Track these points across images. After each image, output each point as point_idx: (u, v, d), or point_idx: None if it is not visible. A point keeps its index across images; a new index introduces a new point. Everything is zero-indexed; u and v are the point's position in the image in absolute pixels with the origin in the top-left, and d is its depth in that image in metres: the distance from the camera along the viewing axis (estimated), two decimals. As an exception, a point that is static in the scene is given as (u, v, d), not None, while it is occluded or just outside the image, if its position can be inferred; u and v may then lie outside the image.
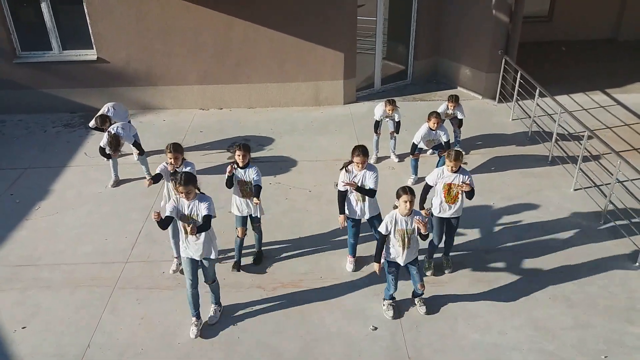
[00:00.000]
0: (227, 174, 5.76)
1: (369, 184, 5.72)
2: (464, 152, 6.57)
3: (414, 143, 7.54)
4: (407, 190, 5.06)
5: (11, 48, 9.88)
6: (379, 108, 8.10)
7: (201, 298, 5.42)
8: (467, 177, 5.73)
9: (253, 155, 8.61)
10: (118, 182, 8.00)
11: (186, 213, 5.02)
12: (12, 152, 8.95)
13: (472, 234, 6.84)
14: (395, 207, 5.17)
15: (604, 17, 14.33)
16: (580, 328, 5.45)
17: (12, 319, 5.65)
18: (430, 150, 8.00)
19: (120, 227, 7.05)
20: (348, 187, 5.73)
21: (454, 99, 8.19)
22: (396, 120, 8.10)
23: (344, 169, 5.80)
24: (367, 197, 5.79)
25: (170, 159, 5.80)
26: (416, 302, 5.71)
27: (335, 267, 6.30)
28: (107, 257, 6.52)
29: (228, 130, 9.65)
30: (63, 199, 7.66)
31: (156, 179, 5.90)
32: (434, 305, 5.74)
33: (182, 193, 4.90)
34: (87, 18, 9.64)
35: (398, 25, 11.34)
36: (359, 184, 5.70)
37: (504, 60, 10.18)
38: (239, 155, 5.73)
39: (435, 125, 7.35)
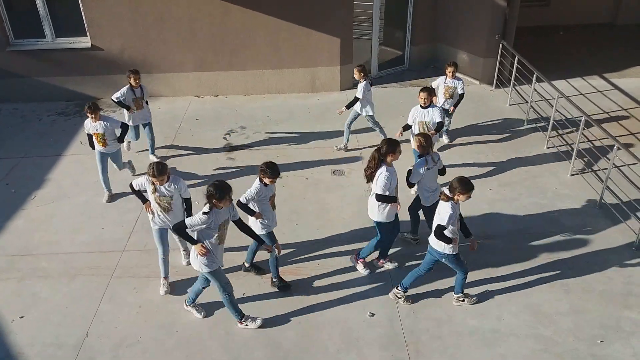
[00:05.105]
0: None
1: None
2: (431, 135, 6.26)
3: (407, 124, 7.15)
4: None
5: (4, 36, 9.76)
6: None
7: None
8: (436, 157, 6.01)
9: (250, 142, 8.62)
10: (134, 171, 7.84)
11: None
12: (7, 141, 8.89)
13: (469, 220, 6.77)
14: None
15: (603, 1, 14.22)
16: (576, 313, 5.48)
17: (10, 308, 5.65)
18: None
19: (117, 216, 7.02)
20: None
21: (454, 64, 7.74)
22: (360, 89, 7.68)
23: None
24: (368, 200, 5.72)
25: (155, 182, 5.37)
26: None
27: (333, 254, 6.31)
28: (104, 246, 6.51)
29: (224, 117, 9.59)
30: (59, 188, 7.63)
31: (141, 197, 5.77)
32: (432, 292, 5.76)
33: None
34: (80, 5, 9.52)
35: (395, 10, 11.23)
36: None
37: (501, 45, 10.12)
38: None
39: (425, 101, 6.81)
